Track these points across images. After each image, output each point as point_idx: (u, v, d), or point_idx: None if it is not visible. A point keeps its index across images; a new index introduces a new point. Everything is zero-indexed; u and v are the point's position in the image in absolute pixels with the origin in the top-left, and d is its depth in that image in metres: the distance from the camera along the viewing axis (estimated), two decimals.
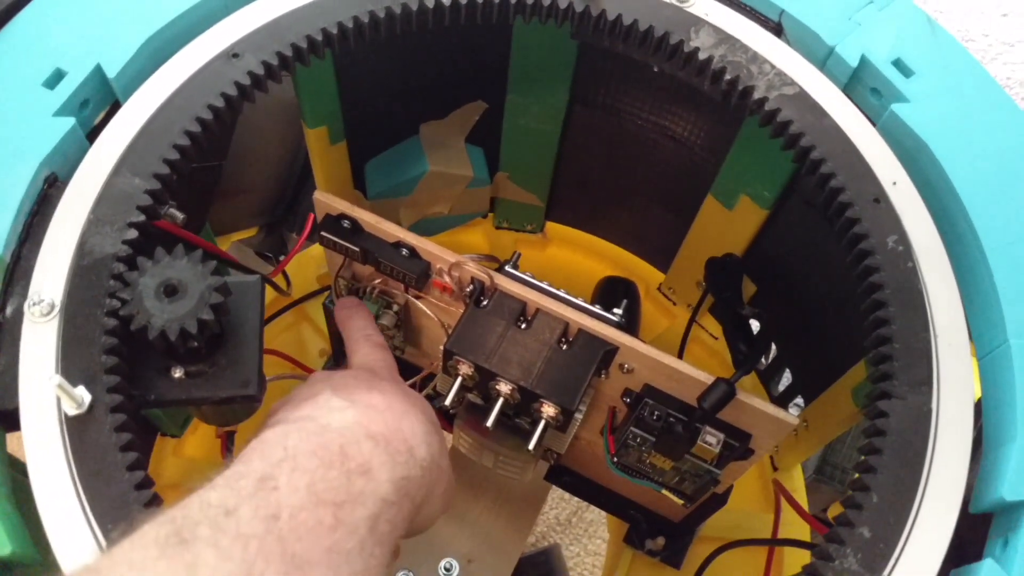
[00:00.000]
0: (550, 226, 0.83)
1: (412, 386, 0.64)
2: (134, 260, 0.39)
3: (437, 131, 0.71)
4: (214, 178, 0.71)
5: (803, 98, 0.48)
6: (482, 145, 0.74)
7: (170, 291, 0.38)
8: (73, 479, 0.35)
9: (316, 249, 0.80)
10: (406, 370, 0.65)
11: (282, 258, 0.88)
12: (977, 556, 0.38)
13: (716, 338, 0.78)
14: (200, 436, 0.74)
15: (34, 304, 0.38)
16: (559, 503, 1.07)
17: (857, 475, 0.39)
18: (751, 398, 0.50)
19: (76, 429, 0.36)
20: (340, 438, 0.35)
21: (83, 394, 0.36)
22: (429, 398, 0.67)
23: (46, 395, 0.36)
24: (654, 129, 0.67)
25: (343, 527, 0.32)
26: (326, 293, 0.75)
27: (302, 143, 0.84)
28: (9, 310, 0.39)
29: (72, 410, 0.35)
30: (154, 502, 0.35)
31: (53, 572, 0.37)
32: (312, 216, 0.76)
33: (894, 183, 0.43)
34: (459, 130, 0.71)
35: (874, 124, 0.46)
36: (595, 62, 0.63)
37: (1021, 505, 0.37)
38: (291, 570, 0.29)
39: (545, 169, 0.74)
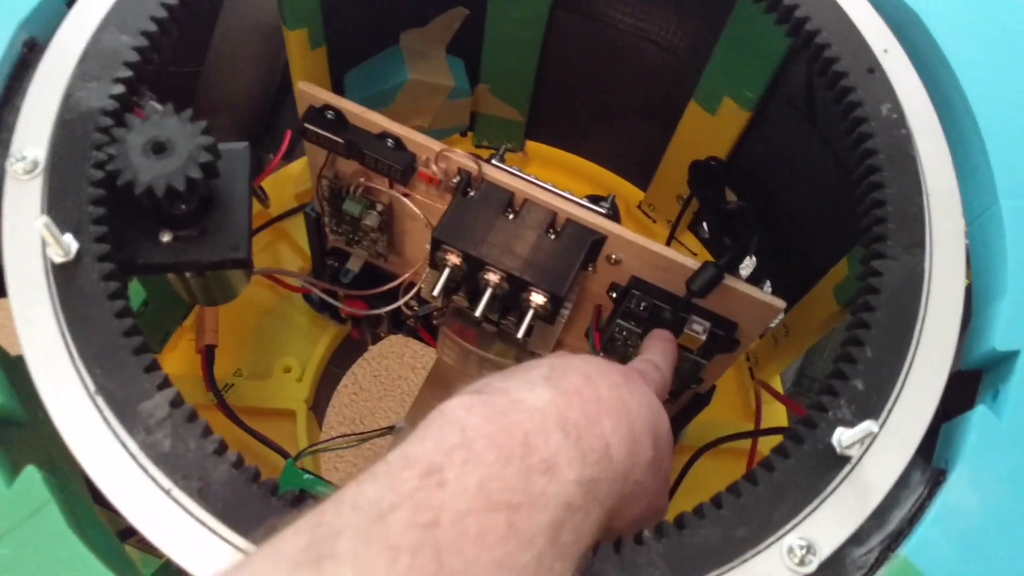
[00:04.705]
0: (530, 145, 0.83)
1: (392, 291, 0.64)
2: (121, 116, 0.38)
3: (418, 39, 0.70)
4: (191, 87, 0.70)
5: None
6: (463, 56, 0.73)
7: (158, 148, 0.37)
8: (60, 326, 0.34)
9: (294, 167, 0.80)
10: (388, 280, 0.64)
11: None
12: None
13: (695, 254, 0.78)
14: (180, 353, 0.73)
15: (17, 161, 0.37)
16: None
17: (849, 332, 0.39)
18: (738, 283, 0.50)
19: (63, 277, 0.35)
20: (527, 422, 0.30)
21: (70, 241, 0.35)
22: (410, 307, 0.67)
23: (32, 248, 0.35)
24: (636, 33, 0.66)
25: (517, 536, 0.27)
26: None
27: (278, 64, 0.83)
28: None
29: (58, 257, 0.34)
30: (143, 349, 0.34)
31: (39, 433, 0.36)
32: (289, 132, 0.75)
33: (885, 50, 0.44)
34: (440, 38, 0.71)
35: None
36: None
37: (1012, 355, 0.37)
38: None
39: (526, 80, 0.73)
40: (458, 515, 0.26)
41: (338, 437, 0.67)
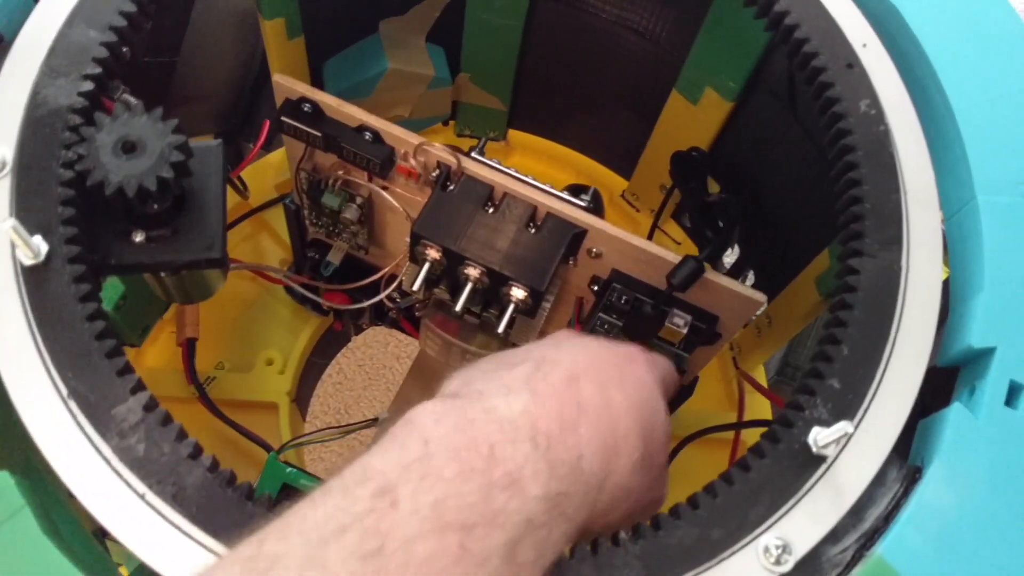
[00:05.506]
0: (512, 134, 0.82)
1: (374, 284, 0.64)
2: (91, 114, 0.37)
3: (397, 28, 0.70)
4: (167, 77, 0.69)
5: None
6: (443, 45, 0.72)
7: (128, 148, 0.37)
8: (31, 330, 0.34)
9: (274, 157, 0.79)
10: (370, 271, 0.64)
11: None
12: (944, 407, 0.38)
13: (679, 243, 0.78)
14: (160, 346, 0.73)
15: None
16: None
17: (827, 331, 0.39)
18: (719, 277, 0.50)
19: (33, 280, 0.34)
20: (496, 434, 0.30)
21: (39, 244, 0.34)
22: (392, 300, 0.66)
23: (0, 250, 0.35)
24: (617, 22, 0.66)
25: (469, 558, 0.26)
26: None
27: (256, 54, 0.82)
28: None
29: (28, 260, 0.34)
30: (116, 352, 0.34)
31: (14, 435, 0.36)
32: (268, 123, 0.75)
33: (864, 45, 0.43)
34: (420, 27, 0.70)
35: None
36: None
37: (988, 352, 0.37)
38: None
39: (508, 69, 0.73)
40: (405, 541, 0.26)
41: (321, 430, 0.67)
